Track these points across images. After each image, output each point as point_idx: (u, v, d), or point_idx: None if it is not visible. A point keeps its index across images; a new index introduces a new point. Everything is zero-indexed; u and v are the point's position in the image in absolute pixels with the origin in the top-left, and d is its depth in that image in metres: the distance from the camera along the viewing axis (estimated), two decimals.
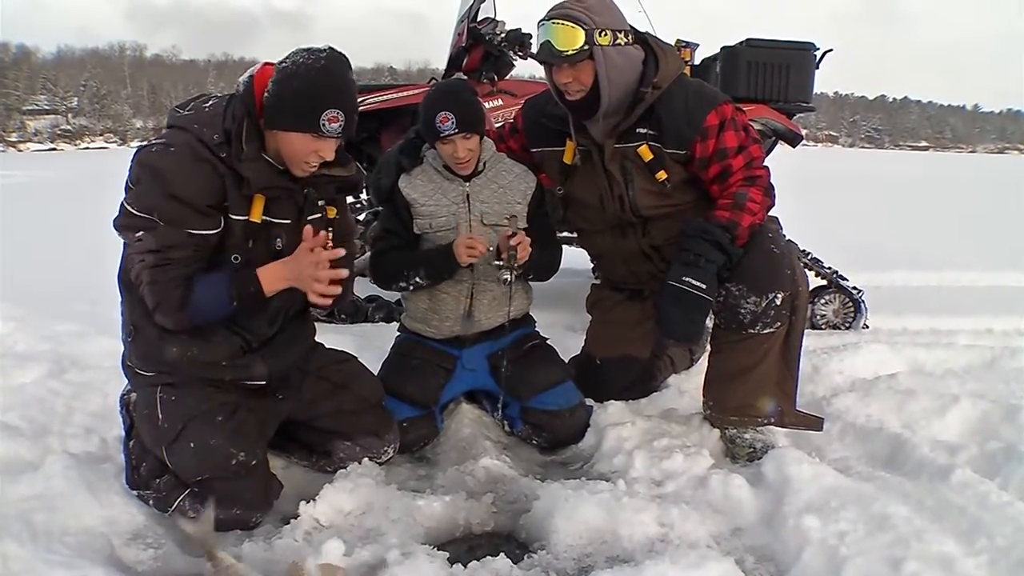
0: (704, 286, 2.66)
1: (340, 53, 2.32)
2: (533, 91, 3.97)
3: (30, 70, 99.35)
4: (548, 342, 3.23)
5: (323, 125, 2.24)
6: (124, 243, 2.31)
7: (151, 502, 2.37)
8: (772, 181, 2.88)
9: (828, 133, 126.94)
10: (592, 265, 4.61)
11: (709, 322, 2.98)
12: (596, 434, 2.96)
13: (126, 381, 2.56)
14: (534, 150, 3.20)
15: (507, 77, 4.64)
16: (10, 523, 2.07)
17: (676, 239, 2.81)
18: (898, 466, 2.67)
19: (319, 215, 2.54)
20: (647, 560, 1.99)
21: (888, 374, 3.44)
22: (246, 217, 2.33)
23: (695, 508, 2.37)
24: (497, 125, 3.94)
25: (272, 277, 2.29)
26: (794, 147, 4.70)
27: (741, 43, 4.52)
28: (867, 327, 4.58)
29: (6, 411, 2.97)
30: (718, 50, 4.58)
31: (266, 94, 2.27)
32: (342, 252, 2.28)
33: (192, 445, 2.28)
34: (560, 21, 2.71)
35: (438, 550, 2.15)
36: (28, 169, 25.23)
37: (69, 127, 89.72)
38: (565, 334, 3.83)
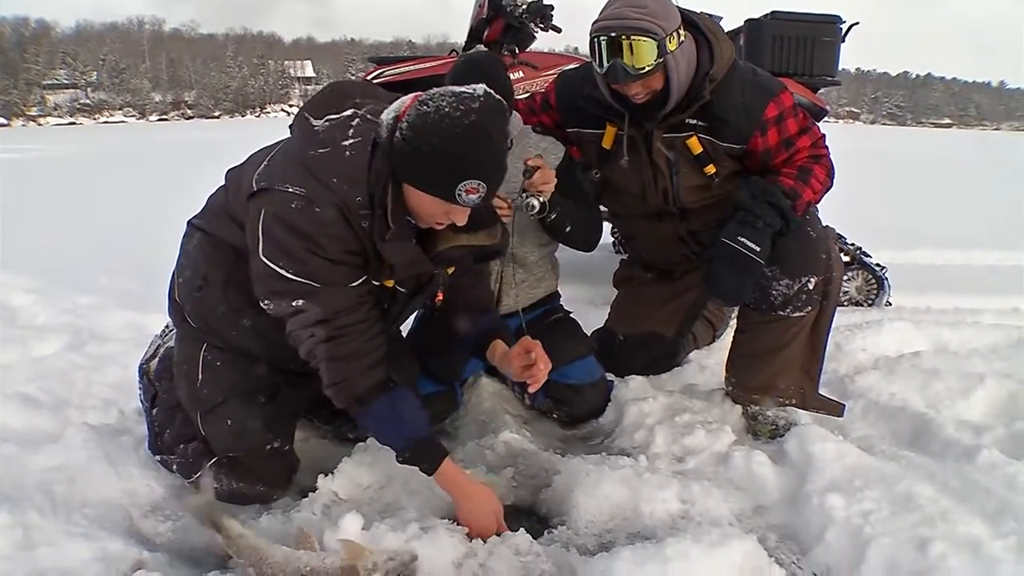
0: (758, 248, 2.56)
1: (497, 101, 1.94)
2: (555, 64, 3.93)
3: (50, 45, 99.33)
4: (571, 316, 3.20)
5: (459, 196, 1.93)
6: (268, 302, 2.07)
7: (175, 467, 2.37)
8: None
9: (849, 110, 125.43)
10: (613, 240, 4.57)
11: None
12: (617, 409, 2.94)
13: (145, 349, 2.55)
14: (570, 130, 3.07)
15: (528, 49, 4.59)
16: (31, 493, 2.09)
17: (714, 223, 2.74)
18: (923, 446, 2.64)
19: (440, 282, 2.40)
20: (669, 537, 1.96)
21: (912, 352, 3.40)
22: (379, 283, 2.17)
23: (717, 485, 2.35)
24: (519, 97, 3.89)
25: (450, 479, 2.15)
26: (818, 121, 4.64)
27: (766, 15, 4.44)
28: (890, 304, 4.53)
29: (27, 383, 3.01)
30: (742, 23, 4.51)
31: (399, 137, 1.94)
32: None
33: (229, 423, 2.26)
34: (631, 36, 2.50)
35: (458, 524, 2.13)
36: (51, 144, 25.29)
37: (88, 101, 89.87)
38: (587, 308, 3.80)
